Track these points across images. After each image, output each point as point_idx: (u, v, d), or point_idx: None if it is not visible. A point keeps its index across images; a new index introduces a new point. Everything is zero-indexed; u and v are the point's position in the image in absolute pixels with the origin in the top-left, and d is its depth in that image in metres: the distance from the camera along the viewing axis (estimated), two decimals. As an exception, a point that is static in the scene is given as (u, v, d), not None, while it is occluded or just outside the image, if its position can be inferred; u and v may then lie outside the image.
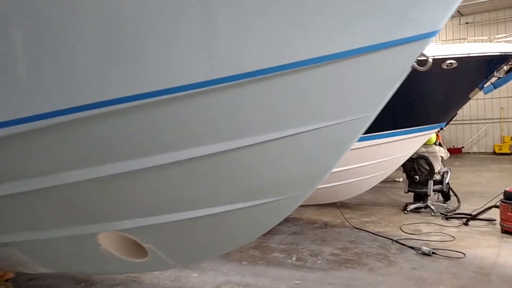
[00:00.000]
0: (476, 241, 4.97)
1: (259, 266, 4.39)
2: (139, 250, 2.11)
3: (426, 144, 6.69)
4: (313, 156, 1.77)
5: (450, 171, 6.77)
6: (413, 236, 5.23)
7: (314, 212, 6.77)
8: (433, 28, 1.56)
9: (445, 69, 3.98)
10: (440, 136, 7.00)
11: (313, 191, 1.91)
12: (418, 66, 1.64)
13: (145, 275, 4.19)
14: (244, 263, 4.50)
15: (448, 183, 6.68)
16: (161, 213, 1.91)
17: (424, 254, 4.49)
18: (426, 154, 6.45)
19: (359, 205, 7.34)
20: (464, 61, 4.01)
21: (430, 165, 6.34)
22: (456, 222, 5.81)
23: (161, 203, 1.90)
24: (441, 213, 6.19)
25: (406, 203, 6.80)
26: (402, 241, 4.97)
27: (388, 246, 4.89)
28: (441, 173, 6.52)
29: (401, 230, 5.55)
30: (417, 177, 6.44)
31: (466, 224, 5.64)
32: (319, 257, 4.60)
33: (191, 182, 1.82)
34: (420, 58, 1.63)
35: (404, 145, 4.51)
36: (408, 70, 1.63)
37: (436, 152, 6.51)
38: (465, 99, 4.48)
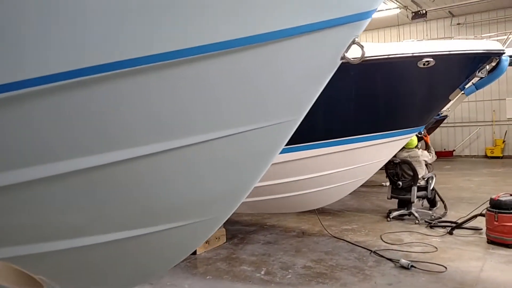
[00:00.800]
0: (460, 252, 4.65)
1: (223, 282, 4.05)
2: (34, 282, 1.75)
3: (406, 148, 6.37)
4: (224, 171, 1.41)
5: (435, 176, 6.45)
6: (393, 247, 4.90)
7: (293, 219, 6.44)
8: (367, 8, 1.22)
9: (421, 67, 3.66)
10: (428, 138, 6.68)
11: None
12: (349, 58, 1.30)
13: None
14: (208, 277, 4.16)
15: (433, 189, 6.36)
16: (44, 240, 1.55)
17: (403, 267, 4.17)
18: (408, 159, 6.14)
19: (340, 211, 7.01)
20: (442, 59, 3.68)
21: (414, 170, 6.02)
22: (441, 231, 5.49)
23: (39, 228, 1.54)
24: (425, 221, 5.87)
25: (389, 210, 6.48)
26: (381, 252, 4.64)
27: (365, 258, 4.56)
28: (426, 179, 6.21)
29: (382, 239, 5.22)
30: (400, 183, 6.12)
31: (450, 233, 5.32)
32: (289, 271, 4.26)
33: (61, 202, 1.46)
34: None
35: (379, 150, 4.17)
36: (337, 62, 1.29)
37: (419, 157, 6.19)
38: (444, 101, 4.15)
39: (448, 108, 8.12)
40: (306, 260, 4.55)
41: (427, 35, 16.45)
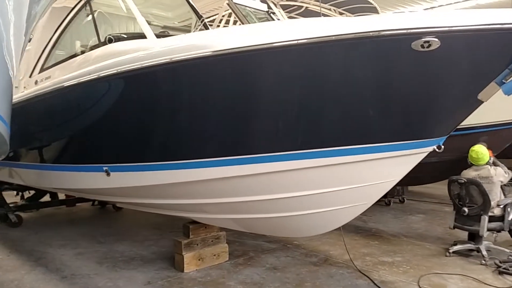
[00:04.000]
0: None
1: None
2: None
3: (475, 165, 4.83)
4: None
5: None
6: (425, 297, 3.68)
7: (326, 241, 5.41)
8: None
9: (420, 51, 2.42)
10: (491, 151, 4.97)
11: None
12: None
13: None
14: (169, 305, 3.58)
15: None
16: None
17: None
18: (478, 180, 4.63)
19: (395, 236, 5.73)
20: (458, 38, 2.38)
21: (484, 194, 4.53)
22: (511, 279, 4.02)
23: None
24: (495, 263, 4.37)
25: (454, 241, 5.05)
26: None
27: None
28: (502, 206, 4.63)
29: (418, 284, 3.98)
30: (466, 209, 4.67)
31: (523, 286, 3.83)
32: (264, 312, 3.44)
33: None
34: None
35: (376, 167, 3.01)
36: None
37: (492, 177, 4.62)
38: (471, 102, 2.76)
39: None
40: (297, 300, 3.65)
41: None
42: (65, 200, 8.22)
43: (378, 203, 7.89)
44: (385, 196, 7.81)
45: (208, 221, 4.43)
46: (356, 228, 6.14)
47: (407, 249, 5.11)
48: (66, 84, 4.01)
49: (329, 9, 7.59)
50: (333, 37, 2.63)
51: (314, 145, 3.09)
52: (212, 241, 4.60)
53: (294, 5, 7.50)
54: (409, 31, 2.44)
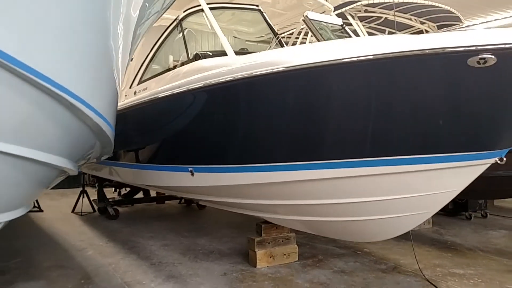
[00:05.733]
0: None
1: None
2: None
3: None
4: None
5: None
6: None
7: (399, 250, 5.45)
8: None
9: (477, 68, 2.50)
10: None
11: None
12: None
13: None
14: (241, 295, 3.96)
15: None
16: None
17: None
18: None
19: (471, 249, 5.58)
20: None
21: None
22: None
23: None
24: None
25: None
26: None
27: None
28: None
29: (487, 297, 3.94)
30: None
31: None
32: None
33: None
34: None
35: (444, 177, 3.07)
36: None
37: None
38: None
39: None
40: (359, 302, 3.83)
41: None
42: (156, 197, 9.10)
43: (459, 216, 7.68)
44: (465, 209, 7.55)
45: (278, 222, 4.77)
46: (431, 240, 6.06)
47: (482, 263, 4.98)
48: (160, 95, 4.64)
49: (410, 19, 7.56)
50: (395, 54, 2.85)
51: (381, 153, 3.29)
52: (282, 241, 4.92)
53: (372, 16, 7.58)
54: (464, 48, 2.57)
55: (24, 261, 5.06)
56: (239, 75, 3.63)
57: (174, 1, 3.54)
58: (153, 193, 9.23)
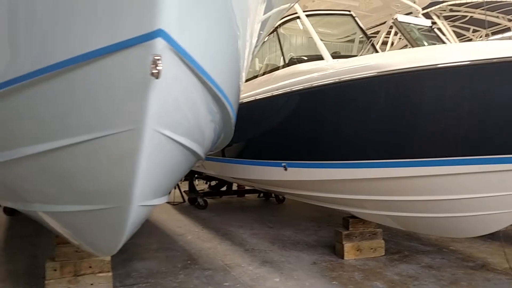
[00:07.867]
0: None
1: (343, 289, 4.09)
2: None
3: None
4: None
5: None
6: None
7: (487, 249, 5.46)
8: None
9: None
10: None
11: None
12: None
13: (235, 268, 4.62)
14: (333, 282, 4.28)
15: None
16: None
17: None
18: None
19: None
20: None
21: None
22: None
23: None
24: None
25: None
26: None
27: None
28: None
29: None
30: None
31: None
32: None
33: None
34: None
35: None
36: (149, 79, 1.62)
37: None
38: None
39: None
40: (450, 296, 3.98)
41: None
42: (237, 190, 9.69)
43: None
44: None
45: (366, 217, 5.01)
46: (519, 241, 5.97)
47: None
48: (259, 96, 5.10)
49: (497, 17, 7.38)
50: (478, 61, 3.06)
51: (471, 153, 3.45)
52: (369, 235, 5.16)
53: (457, 15, 7.51)
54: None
55: (134, 244, 5.76)
56: (341, 77, 3.96)
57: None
58: (234, 186, 9.84)
